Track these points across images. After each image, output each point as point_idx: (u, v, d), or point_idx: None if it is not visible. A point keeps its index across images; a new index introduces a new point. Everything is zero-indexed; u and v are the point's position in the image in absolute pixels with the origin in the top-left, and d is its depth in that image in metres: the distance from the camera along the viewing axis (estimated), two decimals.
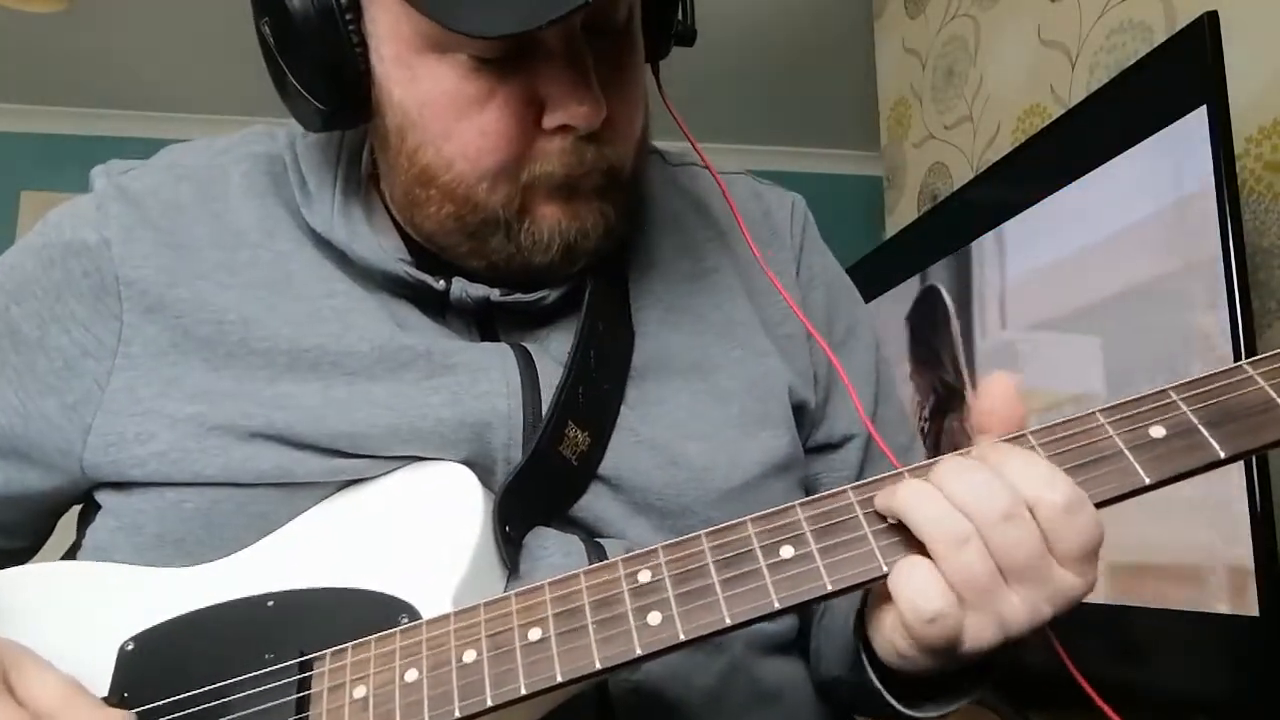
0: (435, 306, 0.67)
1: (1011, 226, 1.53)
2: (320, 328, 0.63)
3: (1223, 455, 0.47)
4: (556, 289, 0.67)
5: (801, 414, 0.73)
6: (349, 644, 0.53)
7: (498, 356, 0.65)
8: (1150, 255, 1.23)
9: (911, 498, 0.48)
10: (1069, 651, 0.52)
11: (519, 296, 0.66)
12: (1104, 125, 1.36)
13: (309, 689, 0.52)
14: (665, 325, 0.70)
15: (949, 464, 0.49)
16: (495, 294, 0.66)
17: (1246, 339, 1.06)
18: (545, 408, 0.63)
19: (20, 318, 0.65)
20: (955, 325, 1.69)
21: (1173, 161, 1.19)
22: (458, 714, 0.49)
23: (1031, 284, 1.49)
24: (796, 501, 0.51)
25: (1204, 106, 1.13)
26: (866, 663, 0.57)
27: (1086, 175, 1.36)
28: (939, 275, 1.75)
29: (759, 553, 0.50)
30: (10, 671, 0.51)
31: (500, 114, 0.60)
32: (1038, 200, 1.46)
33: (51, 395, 0.63)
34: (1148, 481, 0.47)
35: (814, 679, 0.71)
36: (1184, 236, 1.16)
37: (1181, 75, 1.18)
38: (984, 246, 1.61)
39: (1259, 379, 0.48)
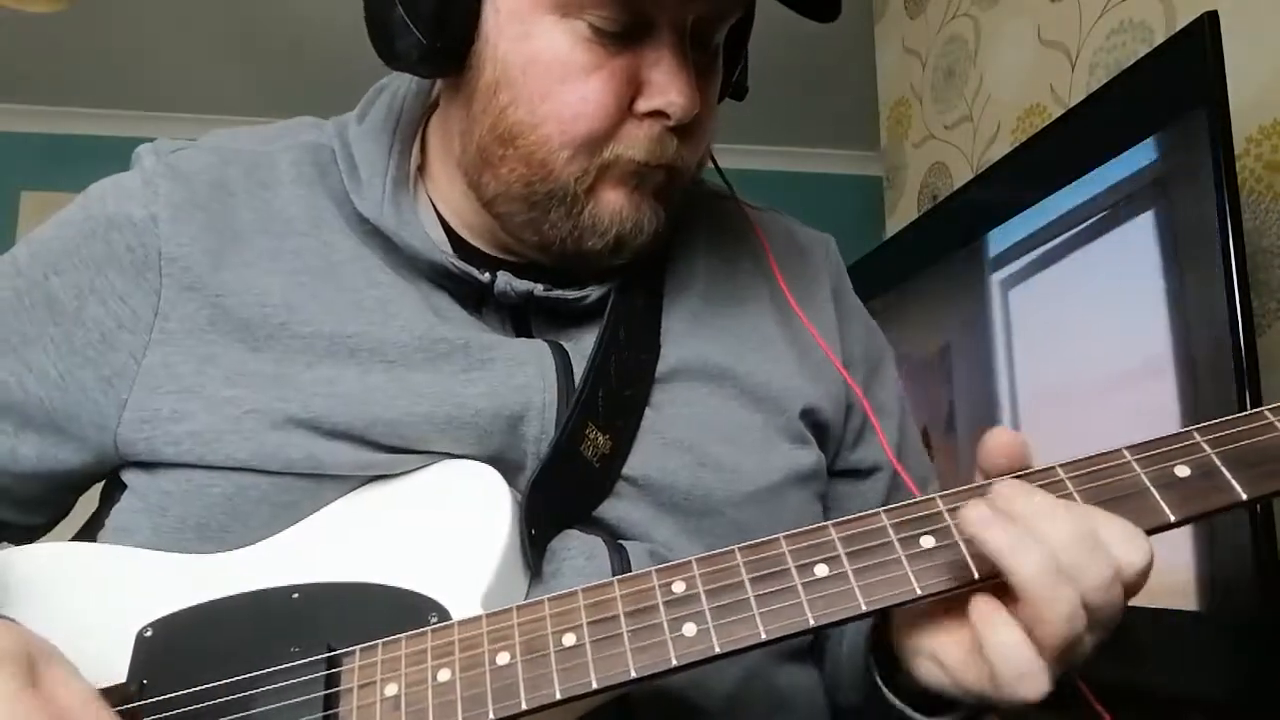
0: (472, 300, 0.68)
1: (1009, 227, 1.53)
2: (362, 316, 0.64)
3: (1244, 497, 0.49)
4: (596, 288, 0.68)
5: (824, 434, 0.74)
6: (379, 641, 0.53)
7: (535, 352, 0.65)
8: (1149, 255, 1.24)
9: (1011, 546, 0.47)
10: None
11: (561, 293, 0.67)
12: (1104, 125, 1.36)
13: (338, 685, 0.52)
14: (697, 337, 0.71)
15: (1051, 514, 0.48)
16: (539, 289, 0.67)
17: (1246, 339, 1.06)
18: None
19: (59, 288, 0.65)
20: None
21: (1172, 161, 1.20)
22: (492, 715, 0.49)
23: (1030, 284, 1.50)
24: (829, 522, 0.52)
25: (1204, 106, 1.13)
26: (881, 683, 0.58)
27: (1086, 175, 1.37)
28: (940, 275, 1.76)
29: (794, 570, 0.50)
30: (39, 663, 0.50)
31: (603, 86, 0.61)
32: (1037, 200, 1.47)
33: (89, 367, 0.63)
34: (1172, 519, 0.49)
35: (833, 706, 0.72)
36: (1184, 236, 1.17)
37: (1181, 75, 1.18)
38: (983, 245, 1.62)
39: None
